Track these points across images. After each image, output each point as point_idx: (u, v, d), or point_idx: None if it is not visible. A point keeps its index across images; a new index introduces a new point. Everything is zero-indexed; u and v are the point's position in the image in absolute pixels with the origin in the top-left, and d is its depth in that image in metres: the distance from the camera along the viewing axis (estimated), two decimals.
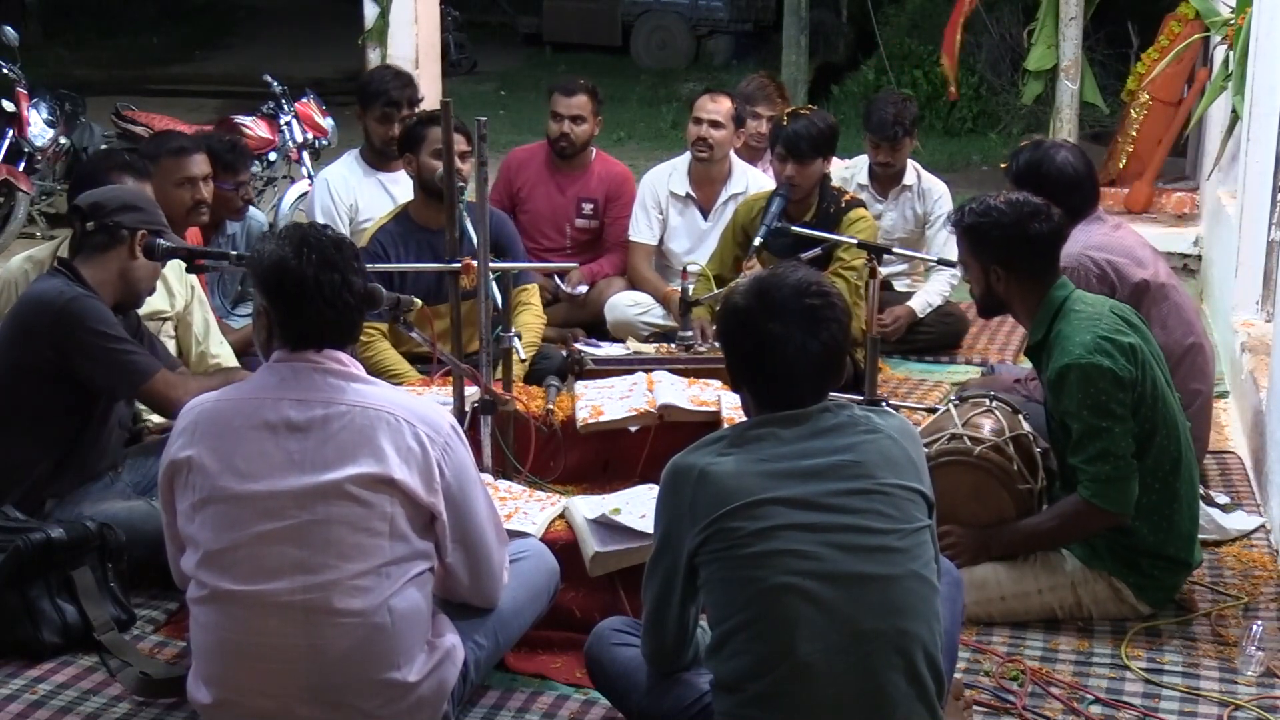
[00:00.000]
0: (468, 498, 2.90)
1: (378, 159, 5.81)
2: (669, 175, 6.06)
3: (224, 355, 4.61)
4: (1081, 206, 4.35)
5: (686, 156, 6.05)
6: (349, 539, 2.76)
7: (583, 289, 5.96)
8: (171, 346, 4.50)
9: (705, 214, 6.02)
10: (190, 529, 2.84)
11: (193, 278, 4.59)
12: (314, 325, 2.85)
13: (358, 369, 2.90)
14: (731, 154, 6.10)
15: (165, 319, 4.50)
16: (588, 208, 6.18)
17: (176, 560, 2.95)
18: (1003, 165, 4.58)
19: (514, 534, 3.39)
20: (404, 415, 2.82)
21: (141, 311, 4.37)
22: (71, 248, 3.93)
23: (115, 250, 3.85)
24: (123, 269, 3.86)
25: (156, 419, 4.47)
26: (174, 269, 4.48)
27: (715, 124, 5.88)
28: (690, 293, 4.91)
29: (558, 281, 5.92)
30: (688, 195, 6.02)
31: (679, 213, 6.04)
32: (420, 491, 2.80)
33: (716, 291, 4.95)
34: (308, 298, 2.82)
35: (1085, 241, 4.30)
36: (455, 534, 2.89)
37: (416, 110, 5.82)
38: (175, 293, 4.52)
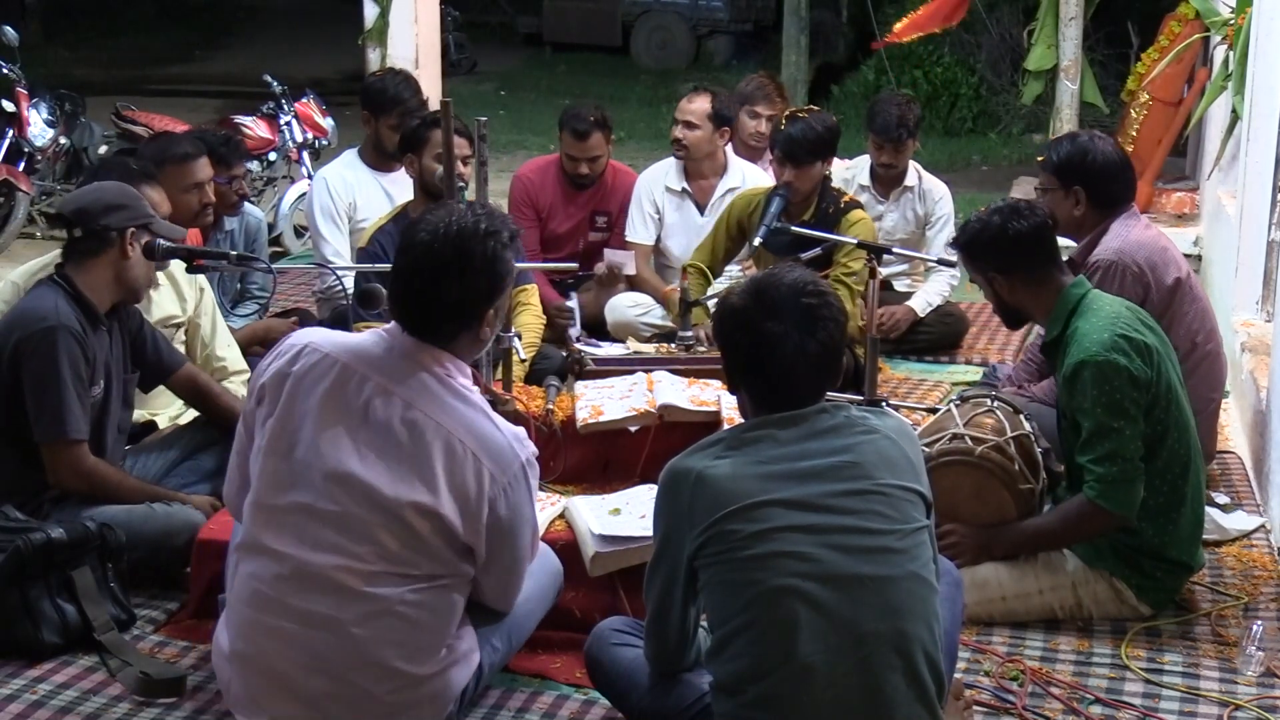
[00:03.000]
0: (514, 532, 2.90)
1: (380, 160, 5.80)
2: (665, 173, 6.06)
3: (230, 359, 4.58)
4: (1123, 195, 4.40)
5: None
6: (390, 544, 2.79)
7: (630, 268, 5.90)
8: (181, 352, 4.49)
9: (701, 209, 6.02)
10: (255, 468, 2.87)
11: (202, 279, 4.58)
12: (411, 314, 2.84)
13: (462, 378, 2.86)
14: (728, 150, 6.10)
15: (178, 324, 4.48)
16: (601, 221, 6.17)
17: (235, 485, 2.97)
18: (1039, 159, 4.60)
19: None
20: (473, 447, 2.80)
21: (154, 318, 4.36)
22: (63, 255, 3.88)
23: (107, 253, 3.80)
24: (117, 271, 3.83)
25: (163, 421, 4.46)
26: (182, 272, 4.47)
27: (689, 124, 5.89)
28: (689, 293, 4.91)
29: (613, 259, 5.86)
30: (683, 190, 6.01)
31: (675, 208, 6.03)
32: (460, 529, 2.81)
33: (716, 291, 4.95)
34: (416, 288, 2.81)
35: (1125, 238, 4.31)
36: (491, 558, 2.90)
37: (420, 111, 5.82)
38: (186, 297, 4.51)
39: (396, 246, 2.90)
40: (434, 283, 2.80)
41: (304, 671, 2.82)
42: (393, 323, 2.89)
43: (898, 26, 9.39)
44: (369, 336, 2.91)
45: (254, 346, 4.91)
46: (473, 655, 2.97)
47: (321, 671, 2.81)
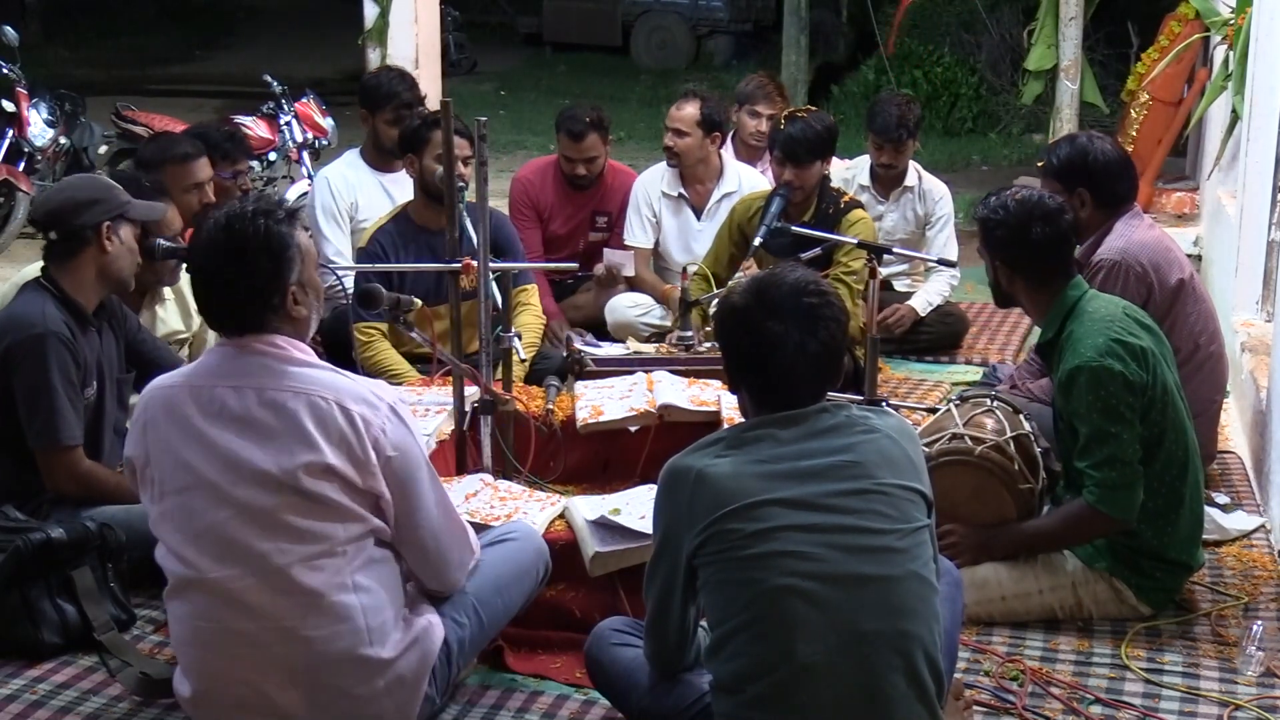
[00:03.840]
0: (413, 480, 2.87)
1: (381, 159, 5.80)
2: (661, 177, 6.06)
3: None
4: (1127, 193, 4.37)
5: None
6: (299, 524, 2.77)
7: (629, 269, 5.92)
8: None
9: (698, 214, 6.02)
10: (153, 522, 2.88)
11: None
12: (214, 313, 2.88)
13: (299, 351, 2.86)
14: (724, 153, 6.10)
15: (182, 340, 4.48)
16: (601, 221, 6.17)
17: (156, 552, 2.96)
18: (1039, 164, 4.56)
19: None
20: (334, 397, 2.80)
21: (158, 334, 4.36)
22: (44, 258, 3.87)
23: (86, 251, 3.78)
24: (99, 266, 3.81)
25: None
26: (189, 286, 4.46)
27: (678, 132, 5.90)
28: (689, 293, 4.91)
29: (613, 259, 5.86)
30: (680, 195, 6.02)
31: (672, 213, 6.03)
32: (354, 476, 2.79)
33: (716, 292, 4.95)
34: (207, 286, 2.85)
35: (1129, 238, 4.31)
36: (402, 516, 2.87)
37: (419, 109, 5.82)
38: (192, 312, 4.50)
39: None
40: (220, 275, 2.82)
41: (274, 690, 2.81)
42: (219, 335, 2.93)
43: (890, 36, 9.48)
44: (200, 359, 2.95)
45: None
46: (434, 630, 2.95)
47: (290, 685, 2.80)
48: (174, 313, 4.45)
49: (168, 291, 4.42)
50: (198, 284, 2.88)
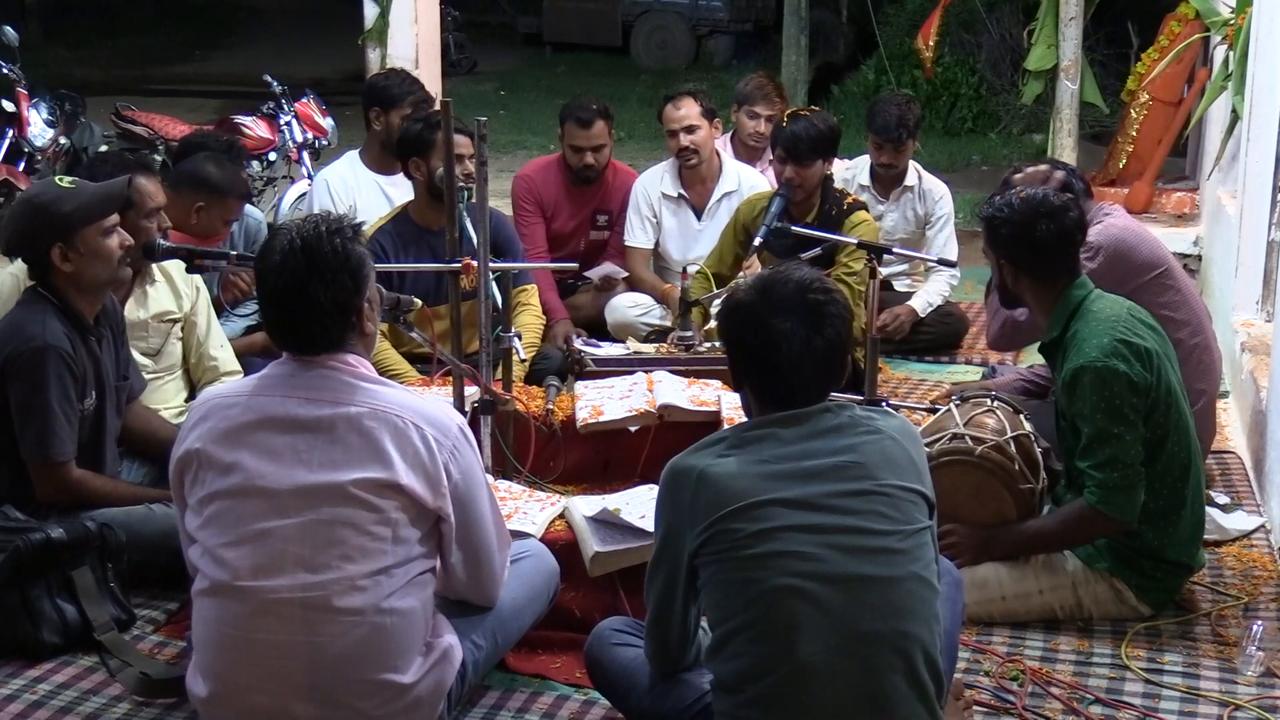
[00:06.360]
0: (474, 500, 2.90)
1: (383, 161, 5.79)
2: (660, 177, 6.06)
3: (223, 359, 4.56)
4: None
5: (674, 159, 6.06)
6: (352, 540, 2.76)
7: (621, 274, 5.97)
8: (179, 349, 4.49)
9: (699, 214, 6.02)
10: (196, 523, 2.85)
11: (198, 278, 4.57)
12: (293, 333, 2.84)
13: (368, 369, 2.89)
14: (722, 152, 6.09)
15: (174, 320, 4.48)
16: (602, 219, 6.17)
17: (188, 543, 2.94)
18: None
19: (514, 534, 3.39)
20: (411, 418, 2.82)
21: (150, 312, 4.35)
22: (29, 276, 3.85)
23: (56, 273, 3.73)
24: (76, 282, 3.74)
25: None
26: (179, 269, 4.46)
27: (689, 129, 5.90)
28: (689, 292, 4.91)
29: (605, 271, 5.90)
30: (680, 196, 6.02)
31: (672, 213, 6.04)
32: (426, 496, 2.80)
33: (717, 291, 4.95)
34: (287, 307, 2.81)
35: (1101, 229, 4.33)
36: (460, 536, 2.90)
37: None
38: (182, 294, 4.50)
39: (255, 279, 2.89)
40: (302, 296, 2.78)
41: (291, 702, 2.80)
42: (283, 355, 2.89)
43: (922, 46, 9.47)
44: (264, 373, 2.92)
45: (256, 350, 4.91)
46: (454, 653, 2.95)
47: (308, 700, 2.79)
48: (165, 292, 4.44)
49: (157, 272, 4.41)
50: (275, 305, 2.84)
